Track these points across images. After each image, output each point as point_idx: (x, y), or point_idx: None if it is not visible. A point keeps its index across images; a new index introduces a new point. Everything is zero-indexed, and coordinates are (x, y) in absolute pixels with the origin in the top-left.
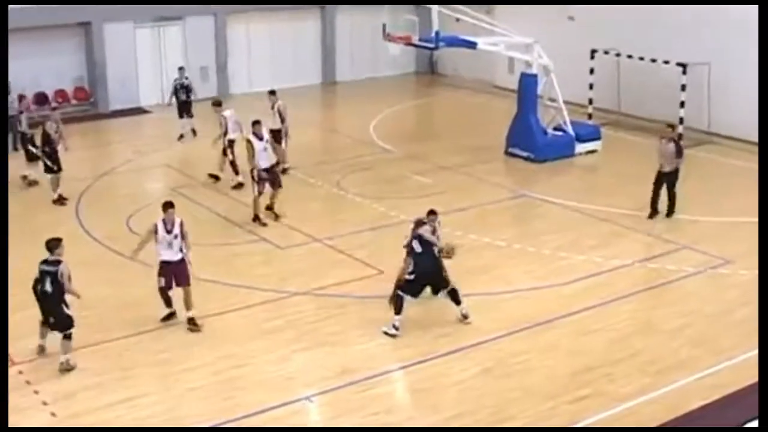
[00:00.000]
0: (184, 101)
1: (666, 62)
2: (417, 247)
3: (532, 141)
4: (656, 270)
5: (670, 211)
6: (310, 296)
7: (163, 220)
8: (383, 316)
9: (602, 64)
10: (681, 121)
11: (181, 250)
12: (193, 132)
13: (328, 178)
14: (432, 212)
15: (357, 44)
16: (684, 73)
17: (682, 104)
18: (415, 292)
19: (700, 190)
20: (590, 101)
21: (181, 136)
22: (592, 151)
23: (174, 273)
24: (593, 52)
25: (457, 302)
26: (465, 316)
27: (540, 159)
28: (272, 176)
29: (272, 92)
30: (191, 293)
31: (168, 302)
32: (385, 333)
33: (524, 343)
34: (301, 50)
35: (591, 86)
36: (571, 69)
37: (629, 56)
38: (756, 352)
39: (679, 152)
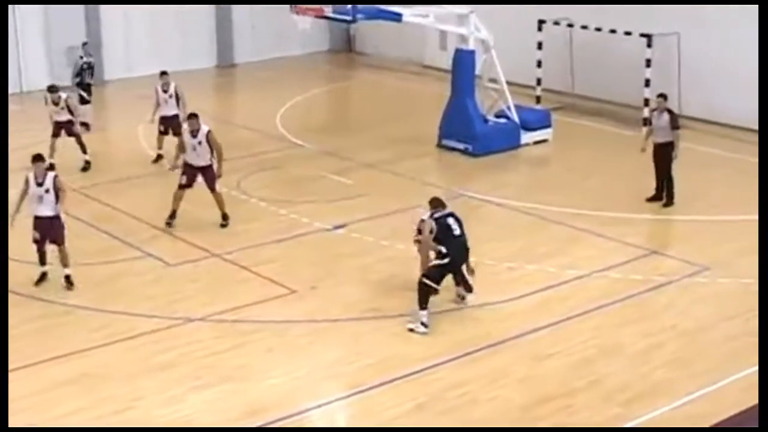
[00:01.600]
0: (88, 84)
1: (627, 33)
2: (455, 227)
3: (469, 131)
4: (620, 280)
5: (669, 200)
6: (208, 323)
7: (34, 174)
8: (297, 344)
9: (552, 38)
10: (646, 103)
11: (56, 207)
12: (86, 126)
13: (226, 179)
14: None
15: (259, 18)
16: (649, 45)
17: (648, 83)
18: (441, 279)
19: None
20: (538, 82)
21: (87, 127)
22: (542, 141)
23: (47, 229)
24: (541, 23)
25: (470, 290)
26: (462, 298)
27: (479, 152)
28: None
29: (164, 73)
30: (68, 252)
31: (42, 258)
32: (411, 330)
33: (467, 371)
34: (190, 27)
35: (539, 64)
36: (515, 43)
37: (584, 27)
38: (742, 375)
39: (674, 124)
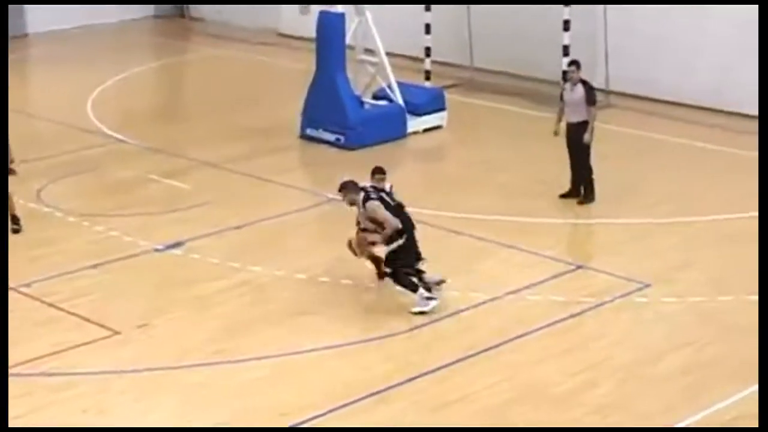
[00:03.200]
0: None
1: None
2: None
3: (341, 117)
4: (538, 304)
5: (587, 195)
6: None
7: None
8: (120, 401)
9: None
10: (564, 76)
11: None
12: None
13: (21, 187)
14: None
15: None
16: (566, 3)
17: (566, 51)
18: (414, 259)
19: (597, 177)
20: (427, 52)
21: None
22: (434, 128)
23: None
24: None
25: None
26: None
27: (354, 144)
28: None
29: None
30: None
31: None
32: (422, 313)
33: (343, 425)
34: None
35: (428, 29)
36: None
37: None
38: (699, 416)
39: (590, 99)
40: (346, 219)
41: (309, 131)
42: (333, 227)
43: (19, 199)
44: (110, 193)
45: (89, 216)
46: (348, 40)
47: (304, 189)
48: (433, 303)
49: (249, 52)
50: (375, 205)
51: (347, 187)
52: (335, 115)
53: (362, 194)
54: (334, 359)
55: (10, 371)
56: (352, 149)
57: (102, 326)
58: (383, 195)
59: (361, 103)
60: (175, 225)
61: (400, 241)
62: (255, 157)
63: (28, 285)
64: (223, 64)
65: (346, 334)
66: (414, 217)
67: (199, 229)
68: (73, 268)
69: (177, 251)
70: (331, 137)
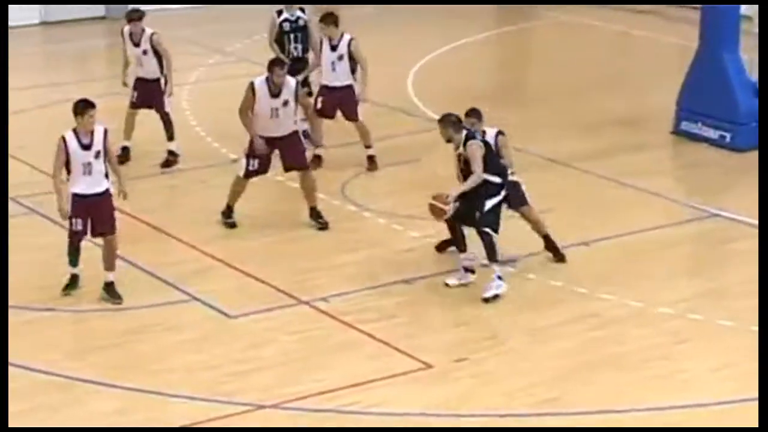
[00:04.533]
0: None
1: None
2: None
3: (728, 108)
4: None
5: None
6: (290, 411)
7: (75, 131)
8: None
9: None
10: None
11: (106, 177)
12: None
13: (323, 179)
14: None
15: None
16: None
17: None
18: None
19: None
20: None
21: None
22: None
23: (93, 212)
24: None
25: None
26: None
27: (745, 144)
28: None
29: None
30: (116, 247)
31: (75, 257)
32: (496, 297)
33: None
34: None
35: None
36: None
37: None
38: None
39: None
40: (727, 243)
41: (685, 125)
42: (711, 251)
43: (320, 194)
44: (430, 191)
45: (404, 218)
46: (744, 9)
47: (676, 200)
48: (503, 288)
49: (610, 21)
50: (476, 145)
51: (447, 122)
52: (721, 105)
53: (464, 132)
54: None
55: (292, 404)
56: (742, 151)
57: (412, 357)
58: (488, 140)
59: (756, 91)
60: (506, 237)
61: (499, 198)
62: (613, 154)
63: (325, 299)
64: (577, 34)
65: (718, 391)
66: None
67: (537, 242)
68: (381, 282)
69: (509, 268)
70: (715, 134)
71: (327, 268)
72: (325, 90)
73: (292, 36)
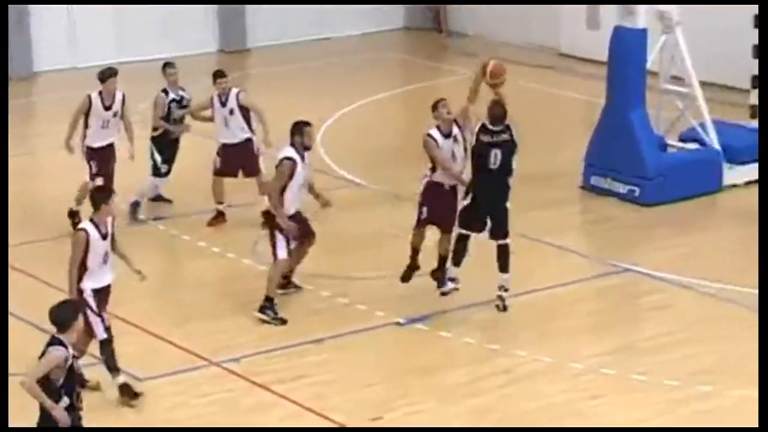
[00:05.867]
0: None
1: None
2: (496, 158)
3: (636, 163)
4: None
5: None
6: None
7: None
8: None
9: None
10: None
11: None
12: None
13: (231, 238)
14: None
15: None
16: None
17: None
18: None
19: None
20: (754, 82)
21: None
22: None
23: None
24: None
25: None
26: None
27: (653, 198)
28: None
29: (220, 74)
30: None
31: None
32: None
33: None
34: None
35: (757, 51)
36: (714, 18)
37: None
38: None
39: None
40: (639, 298)
41: (594, 180)
42: (623, 306)
43: (229, 253)
44: (341, 251)
45: (313, 277)
46: (649, 64)
47: (587, 255)
48: (453, 285)
49: (519, 76)
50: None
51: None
52: (629, 160)
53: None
54: None
55: None
56: (650, 205)
57: (324, 417)
58: (488, 137)
59: (664, 146)
60: (422, 293)
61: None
62: (524, 210)
63: (236, 360)
64: (487, 91)
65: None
66: (723, 295)
67: (450, 300)
68: (293, 342)
69: (422, 326)
70: (623, 189)
71: (238, 328)
72: (222, 148)
73: (178, 112)
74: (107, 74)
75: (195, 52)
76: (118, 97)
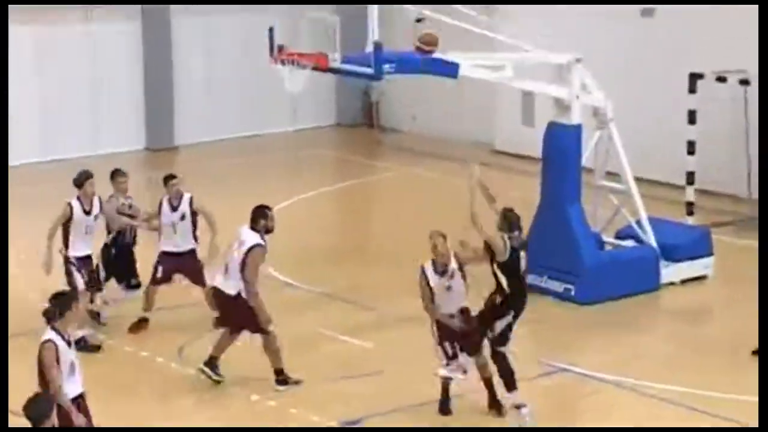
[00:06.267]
0: None
1: None
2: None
3: (571, 261)
4: None
5: None
6: None
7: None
8: None
9: (716, 104)
10: None
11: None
12: None
13: (157, 342)
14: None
15: (214, 70)
16: None
17: None
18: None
19: None
20: (690, 179)
21: None
22: (697, 279)
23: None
24: (695, 78)
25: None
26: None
27: (588, 297)
28: None
29: (171, 177)
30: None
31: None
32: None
33: None
34: (107, 92)
35: (691, 148)
36: (649, 113)
37: None
38: None
39: None
40: (580, 398)
41: (530, 279)
42: (561, 407)
43: (158, 357)
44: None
45: (245, 380)
46: (584, 160)
47: (523, 355)
48: (528, 419)
49: (453, 173)
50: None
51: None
52: (565, 258)
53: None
54: None
55: None
56: (586, 304)
57: None
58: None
59: (600, 243)
60: (354, 398)
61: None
62: None
63: None
64: (421, 188)
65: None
66: (666, 398)
67: (376, 403)
68: None
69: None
70: (559, 287)
71: None
72: (164, 256)
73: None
74: (83, 177)
75: (121, 149)
76: (95, 201)
